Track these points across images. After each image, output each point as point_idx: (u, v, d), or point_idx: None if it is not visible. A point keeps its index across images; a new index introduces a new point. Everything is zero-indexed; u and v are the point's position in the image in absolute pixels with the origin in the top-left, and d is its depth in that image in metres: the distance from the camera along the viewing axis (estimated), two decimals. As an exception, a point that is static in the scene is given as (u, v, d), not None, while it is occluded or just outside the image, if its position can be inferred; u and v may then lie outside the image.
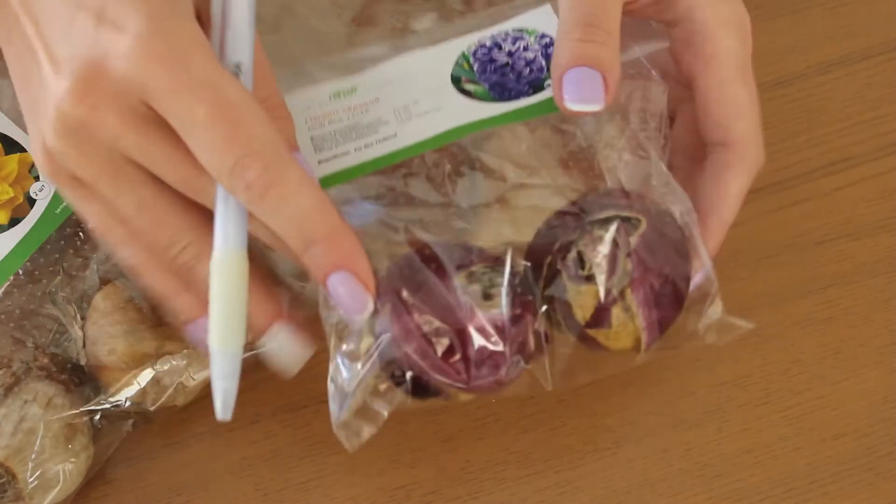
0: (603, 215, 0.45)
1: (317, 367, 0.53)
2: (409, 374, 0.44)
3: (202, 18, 0.43)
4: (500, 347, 0.43)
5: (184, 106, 0.39)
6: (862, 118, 0.60)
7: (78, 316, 0.50)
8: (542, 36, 0.50)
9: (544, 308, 0.45)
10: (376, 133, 0.48)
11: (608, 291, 0.44)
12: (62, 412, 0.49)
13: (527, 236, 0.47)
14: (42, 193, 0.51)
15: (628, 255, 0.44)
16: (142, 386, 0.49)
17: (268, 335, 0.45)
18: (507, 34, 0.50)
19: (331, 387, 0.44)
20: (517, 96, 0.48)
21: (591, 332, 0.45)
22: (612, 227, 0.44)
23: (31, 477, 0.48)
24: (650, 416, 0.52)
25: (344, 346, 0.44)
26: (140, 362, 0.49)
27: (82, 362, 0.50)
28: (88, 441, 0.50)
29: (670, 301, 0.45)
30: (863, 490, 0.51)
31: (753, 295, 0.55)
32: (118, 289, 0.50)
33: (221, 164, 0.40)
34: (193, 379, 0.50)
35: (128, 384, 0.49)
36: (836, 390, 0.53)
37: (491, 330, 0.43)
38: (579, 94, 0.44)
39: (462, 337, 0.43)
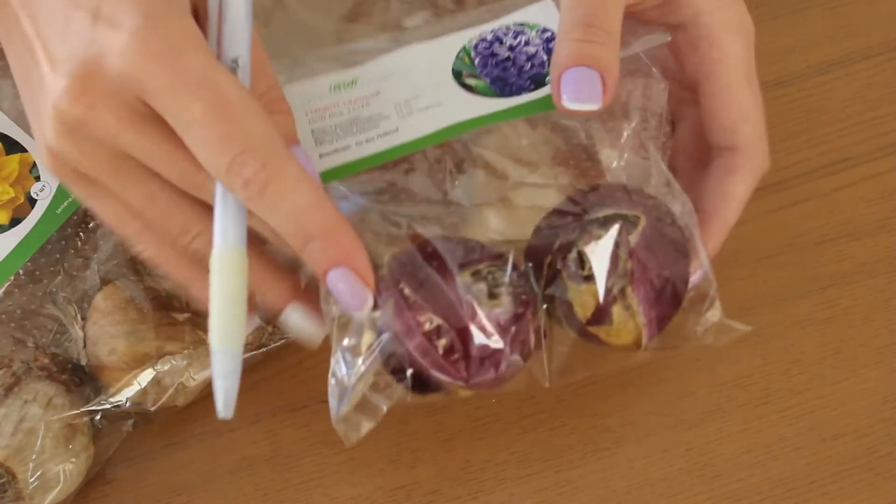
0: (603, 213, 0.45)
1: (316, 367, 0.53)
2: (409, 371, 0.44)
3: (199, 13, 0.43)
4: (501, 346, 0.43)
5: (180, 104, 0.39)
6: (862, 118, 0.60)
7: (78, 316, 0.51)
8: (544, 30, 0.50)
9: (544, 307, 0.45)
10: (377, 127, 0.48)
11: (609, 290, 0.44)
12: (62, 412, 0.49)
13: (527, 234, 0.47)
14: (43, 194, 0.51)
15: (628, 253, 0.44)
16: (142, 386, 0.49)
17: (283, 316, 0.45)
18: (508, 28, 0.50)
19: (331, 381, 0.44)
20: (519, 92, 0.48)
21: (592, 329, 0.45)
22: (612, 226, 0.44)
23: (31, 477, 0.48)
24: (650, 416, 0.52)
25: (345, 342, 0.44)
26: (141, 362, 0.49)
27: (83, 362, 0.50)
28: (88, 441, 0.50)
29: (670, 298, 0.45)
30: (863, 490, 0.51)
31: (753, 295, 0.55)
32: (119, 289, 0.50)
33: (218, 161, 0.40)
34: (194, 379, 0.50)
35: (128, 384, 0.49)
36: (836, 390, 0.53)
37: (493, 328, 0.43)
38: (577, 93, 0.44)
39: (464, 335, 0.43)
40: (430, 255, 0.44)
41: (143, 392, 0.49)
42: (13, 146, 0.52)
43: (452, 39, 0.50)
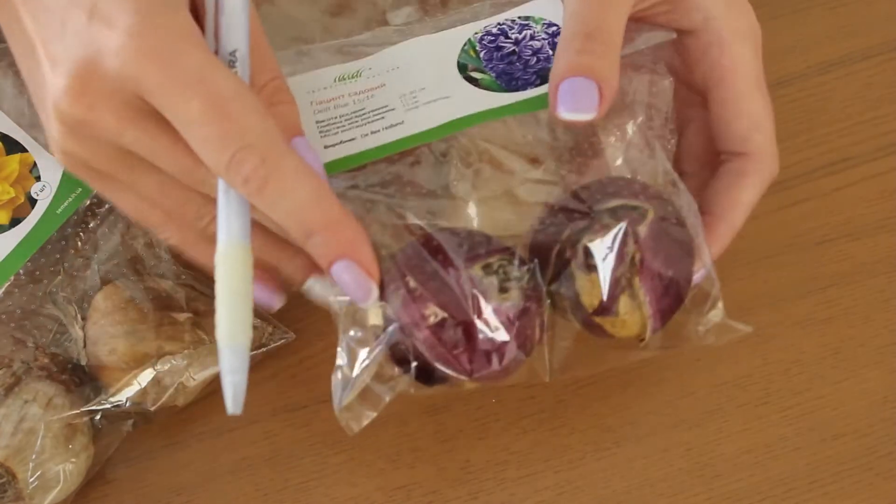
0: (611, 204, 0.45)
1: (316, 367, 0.53)
2: (414, 362, 0.44)
3: (197, 6, 0.42)
4: (507, 339, 0.44)
5: (177, 102, 0.39)
6: (862, 118, 0.60)
7: (79, 316, 0.51)
8: (549, 24, 0.50)
9: (548, 301, 0.45)
10: (383, 119, 0.47)
11: (617, 280, 0.44)
12: (62, 412, 0.49)
13: (531, 227, 0.47)
14: (43, 194, 0.51)
15: (637, 244, 0.44)
16: (142, 386, 0.49)
17: (305, 287, 0.45)
18: (513, 22, 0.50)
19: (336, 371, 0.44)
20: (524, 87, 0.48)
21: (597, 319, 0.45)
22: (621, 217, 0.44)
23: (31, 477, 0.48)
24: (650, 416, 0.52)
25: (351, 332, 0.44)
26: (141, 362, 0.49)
27: (83, 362, 0.50)
28: (88, 441, 0.50)
29: (676, 290, 0.45)
30: (863, 490, 0.51)
31: (753, 295, 0.55)
32: (119, 289, 0.50)
33: (218, 159, 0.40)
34: (194, 379, 0.50)
35: (128, 384, 0.49)
36: (836, 390, 0.53)
37: (500, 322, 0.43)
38: (574, 104, 0.45)
39: (470, 328, 0.43)
40: (436, 247, 0.44)
41: (143, 392, 0.49)
42: (13, 146, 0.52)
43: (457, 32, 0.50)
